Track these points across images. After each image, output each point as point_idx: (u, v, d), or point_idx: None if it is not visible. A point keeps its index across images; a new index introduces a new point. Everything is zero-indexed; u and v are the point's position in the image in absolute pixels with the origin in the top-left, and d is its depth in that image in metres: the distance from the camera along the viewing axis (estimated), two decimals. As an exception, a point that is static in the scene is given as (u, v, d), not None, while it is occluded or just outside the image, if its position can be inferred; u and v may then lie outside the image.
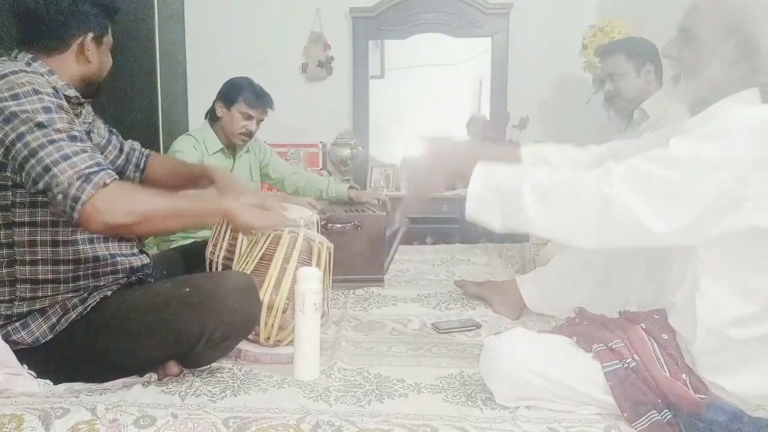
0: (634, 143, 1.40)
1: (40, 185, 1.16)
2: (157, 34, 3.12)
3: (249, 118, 2.30)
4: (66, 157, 1.15)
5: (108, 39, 1.41)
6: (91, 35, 1.35)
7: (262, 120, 2.37)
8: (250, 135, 2.34)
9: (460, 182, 1.27)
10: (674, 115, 1.90)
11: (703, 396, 1.07)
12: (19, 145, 1.16)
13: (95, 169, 1.16)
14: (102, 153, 1.51)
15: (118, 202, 1.17)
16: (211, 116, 2.35)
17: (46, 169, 1.15)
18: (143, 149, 1.72)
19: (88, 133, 1.44)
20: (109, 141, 1.58)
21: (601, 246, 1.15)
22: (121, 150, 1.62)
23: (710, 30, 1.11)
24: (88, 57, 1.35)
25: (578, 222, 1.09)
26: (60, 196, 1.15)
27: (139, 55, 3.03)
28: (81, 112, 1.41)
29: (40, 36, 1.32)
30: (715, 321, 1.08)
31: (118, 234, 1.34)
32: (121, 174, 1.64)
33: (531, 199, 1.10)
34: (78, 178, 1.14)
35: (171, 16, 3.37)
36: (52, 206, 1.20)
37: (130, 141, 1.69)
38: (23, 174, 1.18)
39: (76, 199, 1.14)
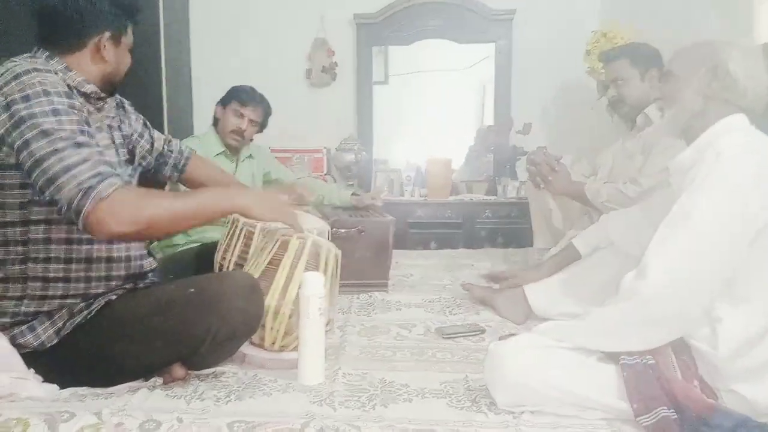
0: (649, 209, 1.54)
1: (47, 196, 1.17)
2: (162, 41, 3.13)
3: (240, 116, 2.35)
4: (68, 169, 1.14)
5: (127, 39, 1.39)
6: (108, 34, 1.34)
7: (257, 123, 2.40)
8: (241, 134, 2.36)
9: None
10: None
11: (713, 401, 1.08)
12: (25, 153, 1.16)
13: (95, 181, 1.15)
14: (133, 146, 1.53)
15: (121, 212, 1.16)
16: (214, 120, 2.42)
17: (50, 181, 1.15)
18: (184, 149, 1.73)
19: (118, 126, 1.45)
20: (141, 135, 1.59)
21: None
22: (152, 146, 1.63)
23: (684, 64, 1.31)
24: (105, 56, 1.35)
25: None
26: (65, 208, 1.15)
27: (145, 61, 3.05)
28: (103, 106, 1.41)
29: (57, 34, 1.32)
30: (733, 338, 1.11)
31: (126, 241, 1.35)
32: (156, 172, 1.67)
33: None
34: (79, 192, 1.14)
35: (176, 23, 3.39)
36: (62, 215, 1.20)
37: (169, 140, 1.70)
38: (31, 180, 1.18)
39: (78, 213, 1.14)
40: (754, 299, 1.12)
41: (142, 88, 3.01)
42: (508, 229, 3.24)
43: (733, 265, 1.12)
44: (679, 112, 1.31)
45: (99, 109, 1.38)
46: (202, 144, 2.31)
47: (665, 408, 1.06)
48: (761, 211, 1.11)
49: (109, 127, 1.42)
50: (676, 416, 1.06)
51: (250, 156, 2.48)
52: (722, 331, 1.11)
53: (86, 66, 1.34)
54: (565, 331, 1.18)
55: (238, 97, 2.36)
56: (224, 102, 2.39)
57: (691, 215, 1.12)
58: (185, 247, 2.18)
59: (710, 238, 1.11)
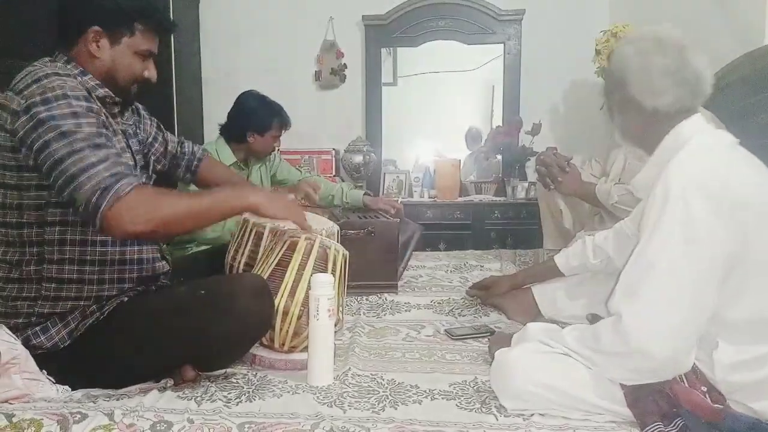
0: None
1: (65, 195, 1.19)
2: (172, 44, 3.15)
3: (277, 137, 2.44)
4: (86, 169, 1.17)
5: (131, 41, 1.36)
6: (96, 28, 1.32)
7: None
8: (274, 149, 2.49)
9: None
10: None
11: (721, 406, 1.07)
12: (44, 153, 1.19)
13: (112, 180, 1.17)
14: (148, 150, 1.56)
15: (138, 211, 1.18)
16: (235, 137, 2.40)
17: (69, 180, 1.17)
18: (197, 151, 1.75)
19: (133, 132, 1.47)
20: (155, 139, 1.61)
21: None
22: (166, 149, 1.65)
23: (608, 87, 1.29)
24: (94, 52, 1.33)
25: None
26: (82, 207, 1.18)
27: (155, 66, 3.07)
28: (120, 111, 1.42)
29: (60, 27, 1.34)
30: (727, 363, 1.08)
31: (142, 240, 1.36)
32: (168, 174, 1.69)
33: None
34: (96, 191, 1.16)
35: (186, 26, 3.41)
36: (79, 215, 1.23)
37: (182, 141, 1.72)
38: (50, 180, 1.20)
39: (96, 210, 1.16)
40: (744, 326, 1.08)
41: (153, 91, 3.02)
42: (518, 230, 3.23)
43: (714, 301, 1.06)
44: (618, 130, 1.29)
45: (114, 115, 1.40)
46: (215, 156, 2.33)
47: (661, 425, 1.05)
48: (726, 235, 1.04)
49: (124, 132, 1.44)
50: (682, 423, 1.05)
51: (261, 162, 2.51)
52: (717, 356, 1.08)
53: (84, 62, 1.34)
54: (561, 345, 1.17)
55: (279, 123, 2.40)
56: (263, 129, 2.37)
57: (654, 270, 1.05)
58: (196, 249, 2.19)
59: (684, 283, 1.04)
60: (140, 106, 1.56)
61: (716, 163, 1.11)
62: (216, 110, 3.31)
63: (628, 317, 1.05)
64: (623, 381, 1.11)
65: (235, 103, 2.44)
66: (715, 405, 1.06)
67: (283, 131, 2.44)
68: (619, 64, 1.23)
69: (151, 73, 1.42)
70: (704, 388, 1.09)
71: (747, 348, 1.07)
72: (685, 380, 1.09)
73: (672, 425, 1.05)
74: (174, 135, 1.73)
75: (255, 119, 2.36)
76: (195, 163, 1.73)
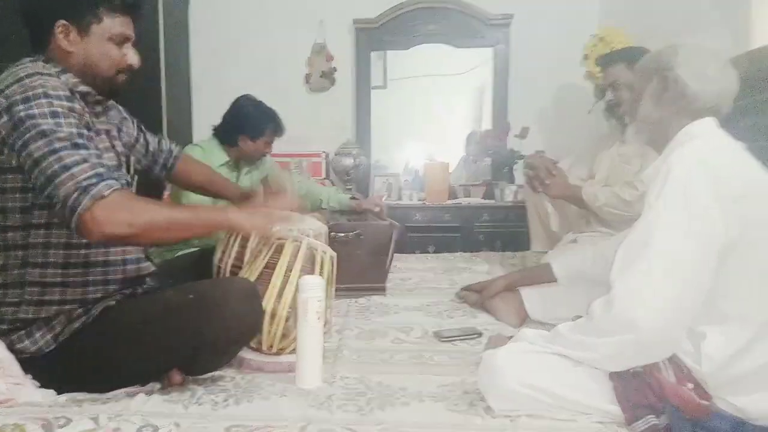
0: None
1: (45, 195, 1.17)
2: (162, 46, 3.14)
3: (270, 143, 2.44)
4: (66, 168, 1.15)
5: (100, 28, 1.31)
6: (62, 23, 1.29)
7: None
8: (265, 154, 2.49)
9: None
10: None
11: (707, 402, 1.08)
12: (24, 153, 1.17)
13: (94, 180, 1.15)
14: (129, 151, 1.55)
15: (118, 214, 1.16)
16: (227, 139, 2.39)
17: (48, 181, 1.15)
18: (174, 149, 1.74)
19: (117, 132, 1.46)
20: (137, 140, 1.60)
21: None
22: (147, 149, 1.64)
23: (641, 77, 1.32)
24: (65, 47, 1.31)
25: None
26: (59, 206, 1.15)
27: (144, 66, 3.04)
28: (103, 110, 1.41)
29: (29, 32, 1.32)
30: (715, 356, 1.09)
31: (117, 244, 1.35)
32: (149, 171, 1.68)
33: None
34: (76, 190, 1.14)
35: (176, 28, 3.40)
36: (57, 215, 1.20)
37: (160, 139, 1.71)
38: (31, 181, 1.19)
39: (73, 211, 1.14)
40: (734, 315, 1.10)
41: (142, 92, 3.01)
42: (506, 232, 3.25)
43: (706, 285, 1.08)
44: (640, 124, 1.31)
45: (97, 115, 1.39)
46: (206, 154, 2.32)
47: (653, 416, 1.06)
48: (721, 226, 1.07)
49: (108, 132, 1.42)
50: (666, 423, 1.06)
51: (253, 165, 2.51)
52: (705, 348, 1.09)
53: (61, 60, 1.32)
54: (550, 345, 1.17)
55: (273, 130, 2.39)
56: (257, 134, 2.36)
57: (650, 243, 1.08)
58: (184, 252, 2.18)
59: (678, 259, 1.07)
60: (121, 107, 1.54)
61: (719, 156, 1.16)
62: (205, 112, 3.31)
63: (619, 287, 1.08)
64: (612, 365, 1.11)
65: (231, 105, 2.42)
66: (702, 401, 1.07)
67: (276, 137, 2.44)
68: (669, 51, 1.26)
69: (132, 58, 1.38)
70: (691, 386, 1.10)
71: (735, 340, 1.09)
72: (673, 376, 1.11)
73: (659, 419, 1.06)
74: (159, 134, 1.72)
75: (249, 124, 2.35)
76: (171, 161, 1.72)
